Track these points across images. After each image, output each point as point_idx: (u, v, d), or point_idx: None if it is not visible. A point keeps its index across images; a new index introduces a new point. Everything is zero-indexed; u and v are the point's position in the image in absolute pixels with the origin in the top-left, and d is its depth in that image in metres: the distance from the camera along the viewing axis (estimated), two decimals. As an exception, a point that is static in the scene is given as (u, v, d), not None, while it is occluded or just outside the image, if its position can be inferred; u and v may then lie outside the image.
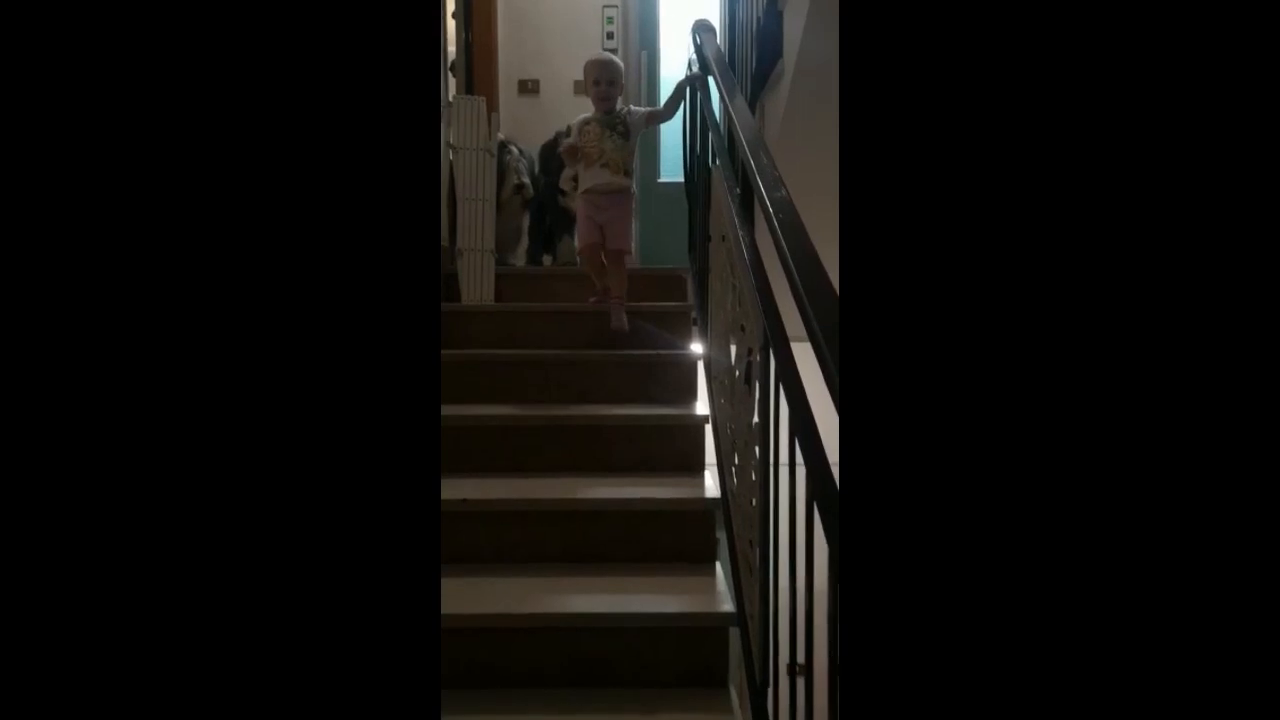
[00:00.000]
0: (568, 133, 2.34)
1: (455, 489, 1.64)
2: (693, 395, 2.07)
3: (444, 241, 2.65)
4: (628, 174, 2.24)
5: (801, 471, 0.93)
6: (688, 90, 2.37)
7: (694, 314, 2.37)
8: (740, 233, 1.42)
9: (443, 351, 2.22)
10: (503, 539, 1.60)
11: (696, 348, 2.21)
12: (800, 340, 0.95)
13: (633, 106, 2.31)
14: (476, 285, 2.56)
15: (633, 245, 2.29)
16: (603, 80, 2.21)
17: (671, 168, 3.80)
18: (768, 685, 1.17)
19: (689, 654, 1.36)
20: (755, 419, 1.27)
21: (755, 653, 1.24)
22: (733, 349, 1.52)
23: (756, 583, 1.24)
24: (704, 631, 1.38)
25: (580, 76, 2.38)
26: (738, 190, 1.55)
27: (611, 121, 2.22)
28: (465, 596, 1.41)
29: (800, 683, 0.97)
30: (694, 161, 2.49)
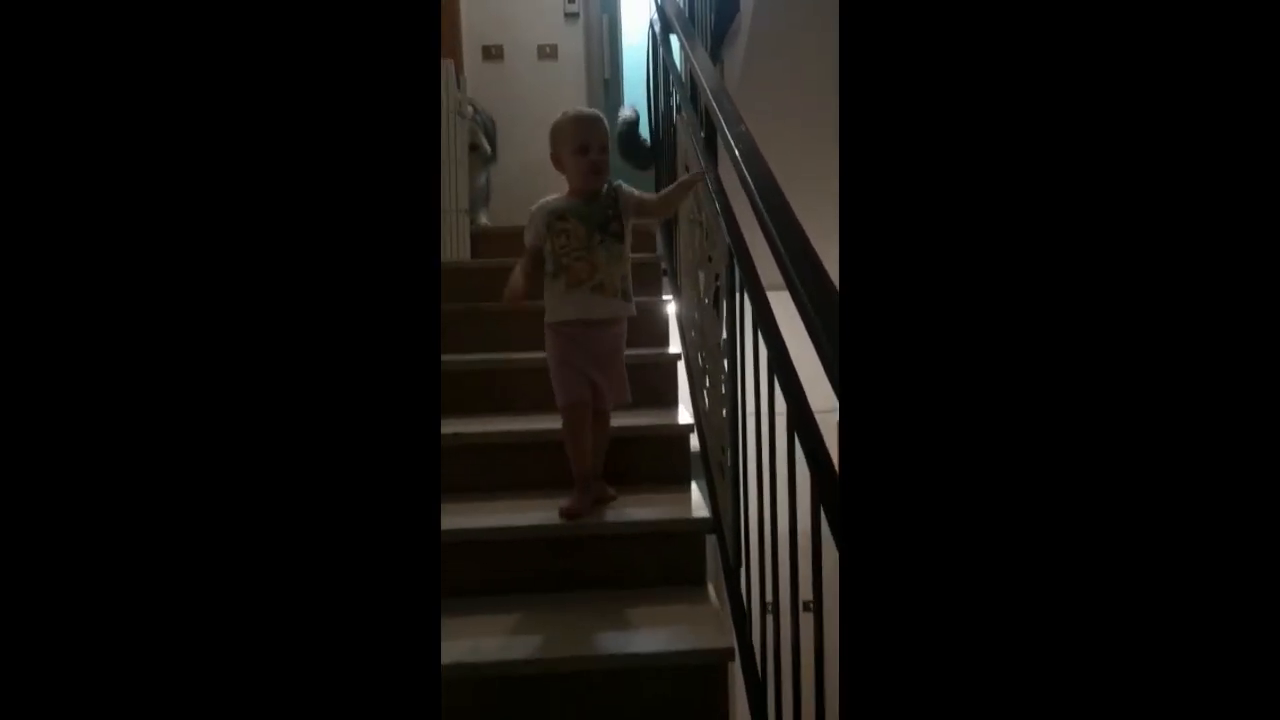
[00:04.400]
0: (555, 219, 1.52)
1: (447, 426, 1.74)
2: (665, 342, 2.19)
3: (417, 203, 2.71)
4: (628, 295, 1.51)
5: (755, 377, 1.06)
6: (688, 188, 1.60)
7: (663, 264, 2.48)
8: (705, 164, 1.53)
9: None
10: (492, 468, 1.71)
11: (667, 299, 2.31)
12: (776, 289, 1.00)
13: (623, 184, 1.55)
14: (452, 244, 2.63)
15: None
16: (593, 145, 1.46)
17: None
18: (740, 565, 1.30)
19: (670, 557, 1.49)
20: (724, 334, 1.39)
21: (729, 539, 1.37)
22: (701, 280, 1.64)
23: (729, 482, 1.38)
24: (682, 536, 1.51)
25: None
26: (702, 134, 1.65)
27: (602, 214, 1.48)
28: (461, 515, 1.52)
29: (769, 568, 1.11)
30: (658, 115, 2.58)
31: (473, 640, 1.27)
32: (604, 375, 1.52)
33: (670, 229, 2.29)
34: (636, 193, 1.55)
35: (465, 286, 2.38)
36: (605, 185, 1.52)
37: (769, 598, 1.10)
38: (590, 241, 1.47)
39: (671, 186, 1.62)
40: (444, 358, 2.01)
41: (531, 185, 3.80)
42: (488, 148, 3.06)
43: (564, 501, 1.49)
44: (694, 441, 1.74)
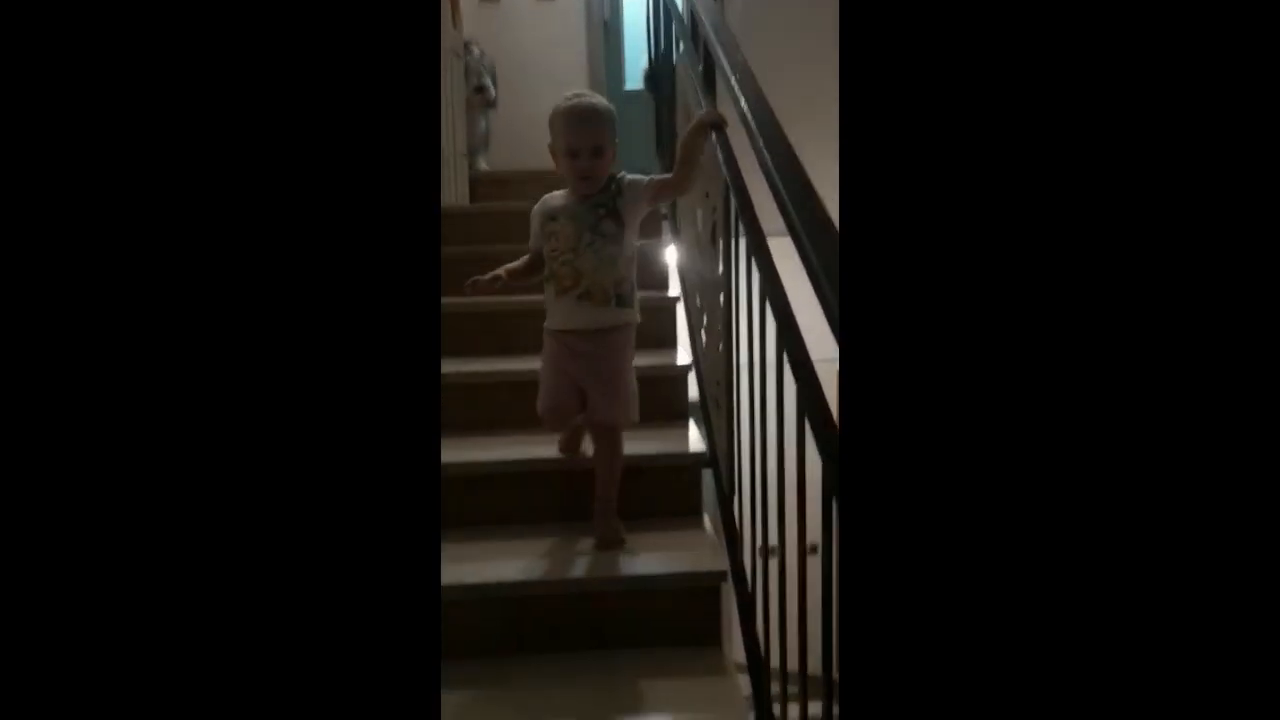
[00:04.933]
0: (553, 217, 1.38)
1: (447, 365, 1.77)
2: (666, 286, 2.20)
3: (416, 147, 2.70)
4: (624, 301, 1.35)
5: (749, 309, 1.07)
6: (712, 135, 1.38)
7: (663, 209, 2.48)
8: (704, 100, 1.52)
9: (422, 249, 2.32)
10: (492, 406, 1.74)
11: (669, 248, 2.31)
12: (779, 234, 0.97)
13: (627, 174, 1.37)
14: (451, 187, 2.62)
15: (635, 407, 1.40)
16: (583, 150, 1.30)
17: (636, 75, 3.81)
18: (733, 493, 1.34)
19: (671, 488, 1.53)
20: (720, 269, 1.40)
21: (723, 469, 1.41)
22: (699, 218, 1.65)
23: (724, 415, 1.41)
24: (681, 469, 1.54)
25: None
26: (700, 68, 1.64)
27: (594, 212, 1.32)
28: (464, 450, 1.55)
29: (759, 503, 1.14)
30: (659, 57, 2.55)
31: (490, 564, 1.32)
32: (596, 387, 1.34)
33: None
34: (646, 179, 1.38)
35: (464, 230, 2.39)
36: (605, 182, 1.35)
37: (759, 522, 1.14)
38: (577, 244, 1.32)
39: (682, 141, 1.43)
40: (443, 300, 2.03)
41: (529, 130, 3.77)
42: (493, 91, 3.02)
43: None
44: (693, 390, 1.77)
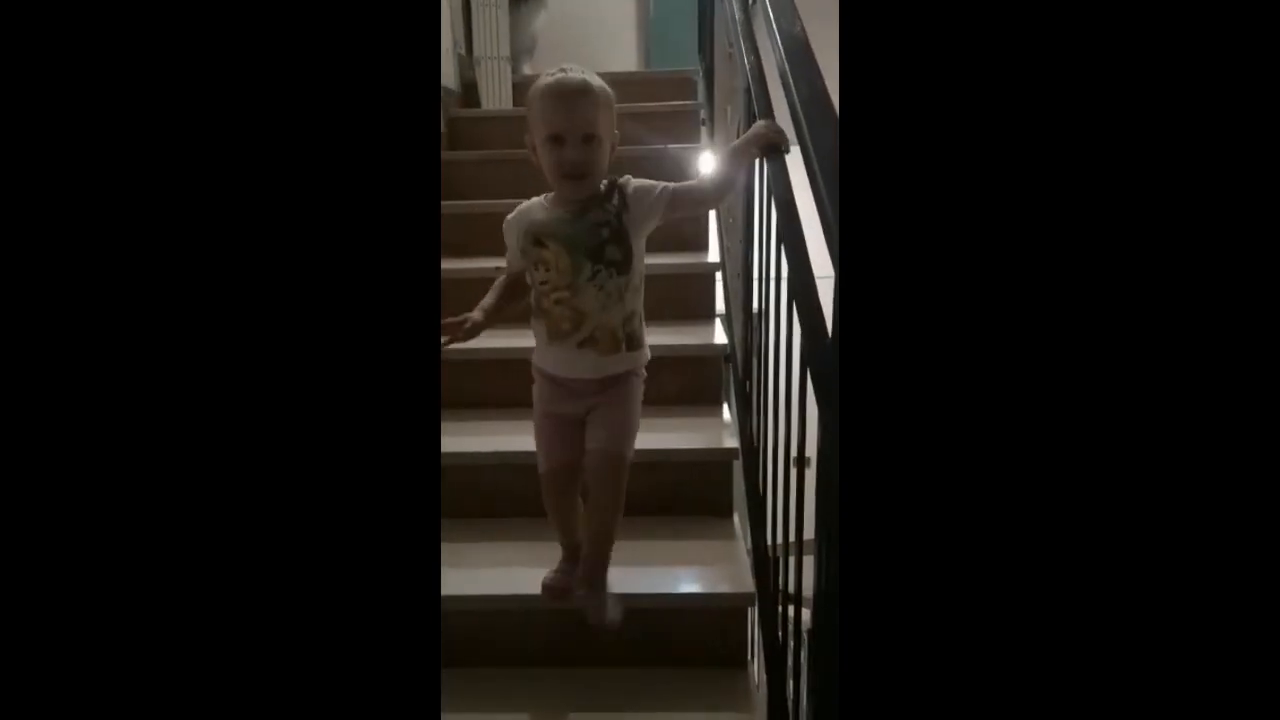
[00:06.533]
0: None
1: (484, 262, 1.89)
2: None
3: (461, 50, 2.73)
4: (635, 342, 1.08)
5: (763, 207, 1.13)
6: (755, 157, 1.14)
7: (703, 113, 2.49)
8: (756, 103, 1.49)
9: (465, 151, 2.40)
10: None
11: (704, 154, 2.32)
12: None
13: (633, 179, 1.06)
14: (495, 91, 2.67)
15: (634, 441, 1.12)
16: (569, 135, 0.99)
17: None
18: (747, 380, 1.44)
19: (696, 379, 1.64)
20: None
21: (738, 366, 1.51)
22: (728, 115, 1.69)
23: (741, 311, 1.49)
24: (701, 360, 1.65)
25: None
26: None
27: (594, 234, 1.02)
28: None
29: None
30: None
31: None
32: (600, 416, 1.08)
33: (710, 78, 2.28)
34: (659, 186, 1.04)
35: (504, 134, 2.46)
36: (603, 186, 1.03)
37: (769, 412, 1.23)
38: (576, 277, 1.01)
39: (730, 150, 1.12)
40: (474, 201, 2.13)
41: (580, 31, 3.72)
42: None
43: (546, 573, 1.16)
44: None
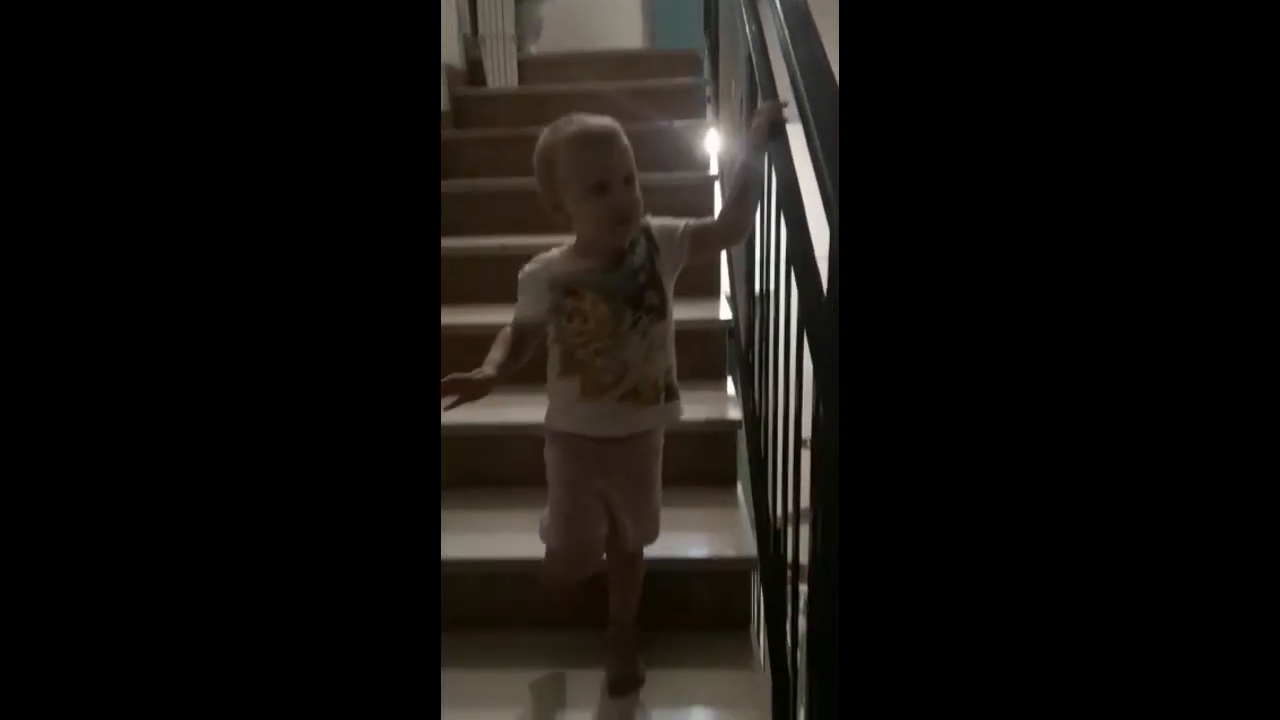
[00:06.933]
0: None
1: (488, 240, 1.91)
2: (707, 167, 2.25)
3: (466, 30, 2.74)
4: (673, 392, 1.04)
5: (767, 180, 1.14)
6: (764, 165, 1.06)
7: (708, 90, 2.49)
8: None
9: (470, 130, 2.42)
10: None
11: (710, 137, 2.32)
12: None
13: (651, 218, 1.02)
14: (500, 70, 2.68)
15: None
16: (614, 180, 0.94)
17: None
18: (749, 349, 1.47)
19: (699, 349, 1.66)
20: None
21: (742, 329, 1.53)
22: (733, 90, 1.69)
23: (745, 287, 1.51)
24: (708, 333, 1.67)
25: None
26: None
27: (633, 281, 0.98)
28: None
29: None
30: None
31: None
32: (630, 504, 1.04)
33: (716, 55, 2.28)
34: (680, 225, 1.00)
35: (512, 111, 2.47)
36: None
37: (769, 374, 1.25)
38: (618, 328, 0.96)
39: (739, 168, 1.03)
40: (479, 180, 2.15)
41: (583, 12, 3.71)
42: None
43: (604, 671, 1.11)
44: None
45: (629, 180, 0.95)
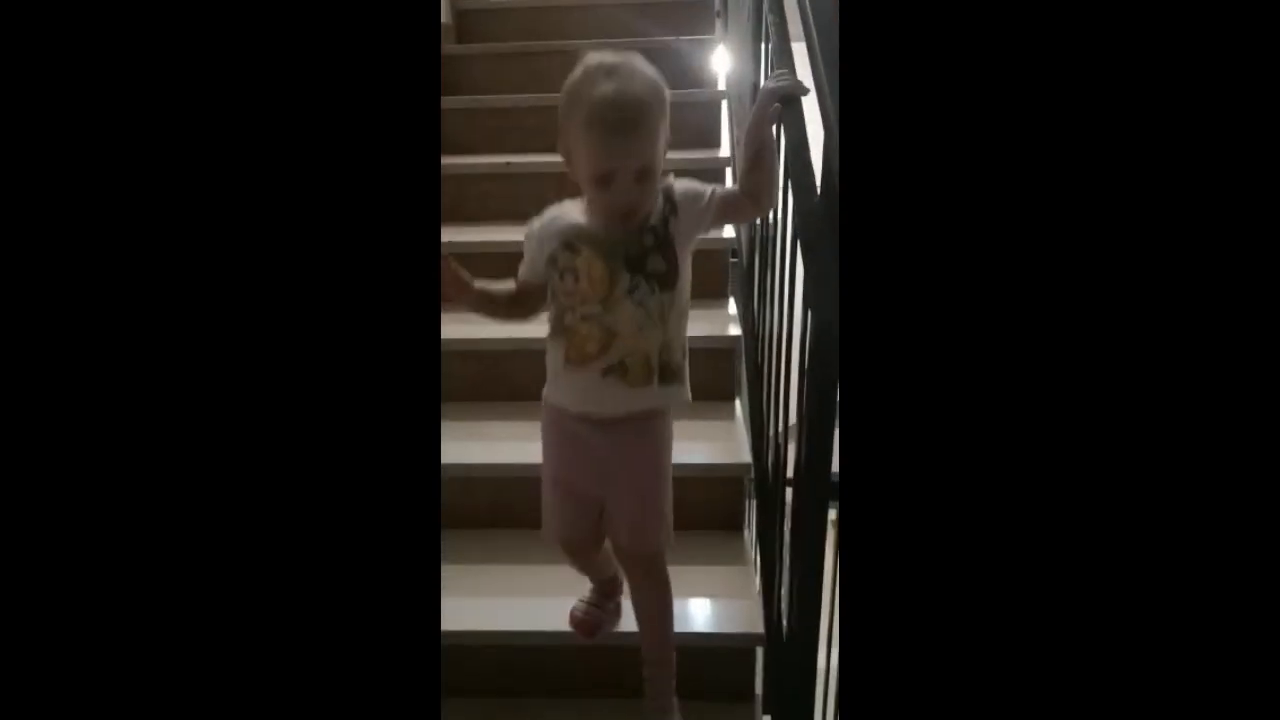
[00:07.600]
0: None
1: (491, 158, 1.92)
2: (713, 84, 2.22)
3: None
4: (671, 375, 0.92)
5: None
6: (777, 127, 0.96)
7: (716, 5, 2.43)
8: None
9: (473, 45, 2.38)
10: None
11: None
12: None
13: (677, 181, 0.91)
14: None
15: (671, 525, 0.98)
16: (619, 173, 0.83)
17: None
18: (750, 283, 1.51)
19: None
20: (753, 71, 1.47)
21: (743, 259, 1.55)
22: (743, 4, 1.67)
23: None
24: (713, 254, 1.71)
25: None
26: None
27: (636, 242, 0.88)
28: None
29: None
30: None
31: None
32: (622, 504, 0.94)
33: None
34: (708, 190, 0.90)
35: (516, 25, 2.42)
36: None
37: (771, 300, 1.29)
38: (611, 290, 0.87)
39: (746, 133, 0.94)
40: (481, 96, 2.12)
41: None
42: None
43: (575, 604, 1.09)
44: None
45: (644, 174, 0.83)
